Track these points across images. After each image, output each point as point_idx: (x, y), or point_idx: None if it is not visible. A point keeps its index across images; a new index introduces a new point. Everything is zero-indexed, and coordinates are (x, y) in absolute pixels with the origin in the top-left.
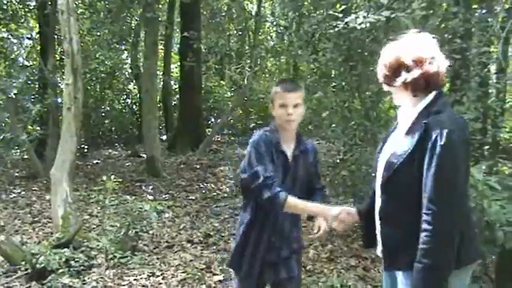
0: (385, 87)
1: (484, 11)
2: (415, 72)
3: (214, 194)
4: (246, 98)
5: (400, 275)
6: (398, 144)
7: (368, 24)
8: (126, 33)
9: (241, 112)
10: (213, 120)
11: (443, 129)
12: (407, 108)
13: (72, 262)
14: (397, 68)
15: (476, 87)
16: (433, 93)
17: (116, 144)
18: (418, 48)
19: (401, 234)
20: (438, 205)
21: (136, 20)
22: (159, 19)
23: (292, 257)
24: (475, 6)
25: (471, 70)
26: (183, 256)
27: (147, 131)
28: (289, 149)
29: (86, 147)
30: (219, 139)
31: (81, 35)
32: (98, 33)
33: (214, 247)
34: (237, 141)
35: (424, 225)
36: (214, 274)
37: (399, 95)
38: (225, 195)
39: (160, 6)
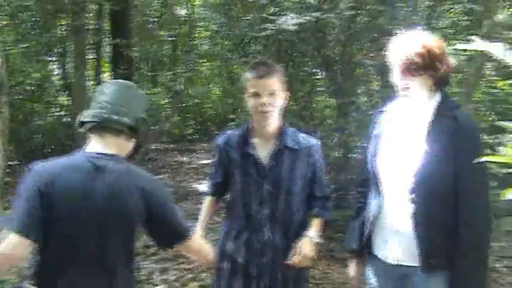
0: (401, 79)
1: (409, 9)
2: (448, 65)
3: None
4: (182, 104)
5: (430, 279)
6: (419, 142)
7: (297, 26)
8: (54, 44)
9: (178, 118)
10: None
11: (473, 122)
12: (417, 104)
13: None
14: (429, 58)
15: None
16: (440, 89)
17: (50, 159)
18: (440, 40)
19: (440, 234)
20: (482, 198)
21: (63, 29)
22: (88, 27)
23: None
24: (399, 4)
25: None
26: None
27: (81, 143)
28: (265, 148)
29: (17, 163)
30: (156, 147)
31: (6, 48)
32: (24, 45)
33: (154, 257)
34: (175, 148)
35: (469, 219)
36: (155, 285)
37: (418, 88)
38: None
39: (88, 14)
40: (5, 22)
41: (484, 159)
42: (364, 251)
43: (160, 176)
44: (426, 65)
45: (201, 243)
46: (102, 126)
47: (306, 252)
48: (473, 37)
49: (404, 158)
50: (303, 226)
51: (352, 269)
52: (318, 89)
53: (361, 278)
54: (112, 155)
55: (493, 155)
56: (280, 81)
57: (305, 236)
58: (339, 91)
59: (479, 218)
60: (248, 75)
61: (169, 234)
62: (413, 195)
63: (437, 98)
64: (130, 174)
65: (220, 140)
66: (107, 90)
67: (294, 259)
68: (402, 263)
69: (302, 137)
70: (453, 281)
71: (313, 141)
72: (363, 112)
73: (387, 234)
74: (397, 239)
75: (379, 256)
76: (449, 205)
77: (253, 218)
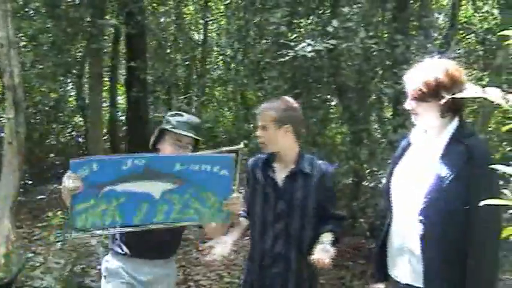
0: (410, 105)
1: (422, 38)
2: (454, 93)
3: None
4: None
5: None
6: (432, 166)
7: (313, 53)
8: (71, 65)
9: None
10: None
11: (486, 151)
12: (431, 130)
13: None
14: (436, 87)
15: None
16: (457, 116)
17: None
18: (454, 69)
19: (447, 255)
20: (492, 235)
21: (80, 51)
22: (104, 50)
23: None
24: (413, 32)
25: None
26: None
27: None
28: (283, 171)
29: (30, 182)
30: None
31: (24, 68)
32: (41, 66)
33: None
34: None
35: (478, 254)
36: None
37: (426, 115)
38: None
39: (105, 37)
40: (23, 43)
41: (489, 201)
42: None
43: None
44: (430, 94)
45: None
46: None
47: (321, 255)
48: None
49: (416, 180)
50: (316, 242)
51: None
52: (331, 116)
53: None
54: None
55: (506, 187)
56: (274, 117)
57: (319, 243)
58: (352, 118)
59: (493, 242)
60: None
61: None
62: (421, 216)
63: (454, 124)
64: None
65: (250, 161)
66: None
67: (314, 257)
68: (411, 283)
69: (318, 163)
70: None
71: (327, 168)
72: (374, 140)
73: (396, 254)
74: (406, 259)
75: (392, 276)
76: (457, 230)
77: (265, 232)
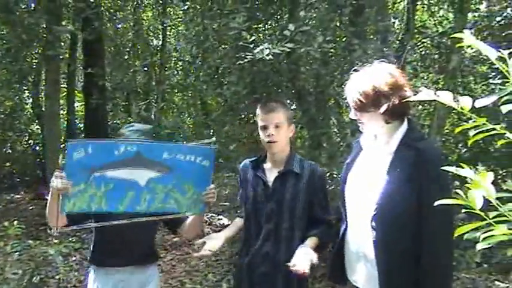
0: (354, 115)
1: (379, 42)
2: (394, 99)
3: None
4: (154, 134)
5: None
6: (383, 172)
7: (271, 56)
8: (27, 72)
9: None
10: None
11: (438, 154)
12: (380, 135)
13: None
14: (375, 96)
15: None
16: (406, 120)
17: (19, 188)
18: (392, 75)
19: (399, 261)
20: (446, 235)
21: (36, 58)
22: (61, 57)
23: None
24: (371, 36)
25: None
26: None
27: (52, 173)
28: (273, 172)
29: None
30: None
31: None
32: None
33: None
34: None
35: (432, 253)
36: None
37: (370, 123)
38: None
39: (62, 43)
40: None
41: (443, 201)
42: (342, 277)
43: None
44: (370, 104)
45: None
46: None
47: (300, 259)
48: (421, 87)
49: (368, 186)
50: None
51: None
52: None
53: None
54: None
55: (460, 188)
56: (286, 115)
57: (300, 248)
58: (311, 122)
59: (447, 246)
60: (258, 110)
61: None
62: (374, 222)
63: (403, 128)
64: None
65: (241, 164)
66: None
67: (291, 264)
68: None
69: (307, 163)
70: None
71: (317, 169)
72: (334, 143)
73: (353, 260)
74: (362, 264)
75: (351, 281)
76: (409, 233)
77: (259, 232)
